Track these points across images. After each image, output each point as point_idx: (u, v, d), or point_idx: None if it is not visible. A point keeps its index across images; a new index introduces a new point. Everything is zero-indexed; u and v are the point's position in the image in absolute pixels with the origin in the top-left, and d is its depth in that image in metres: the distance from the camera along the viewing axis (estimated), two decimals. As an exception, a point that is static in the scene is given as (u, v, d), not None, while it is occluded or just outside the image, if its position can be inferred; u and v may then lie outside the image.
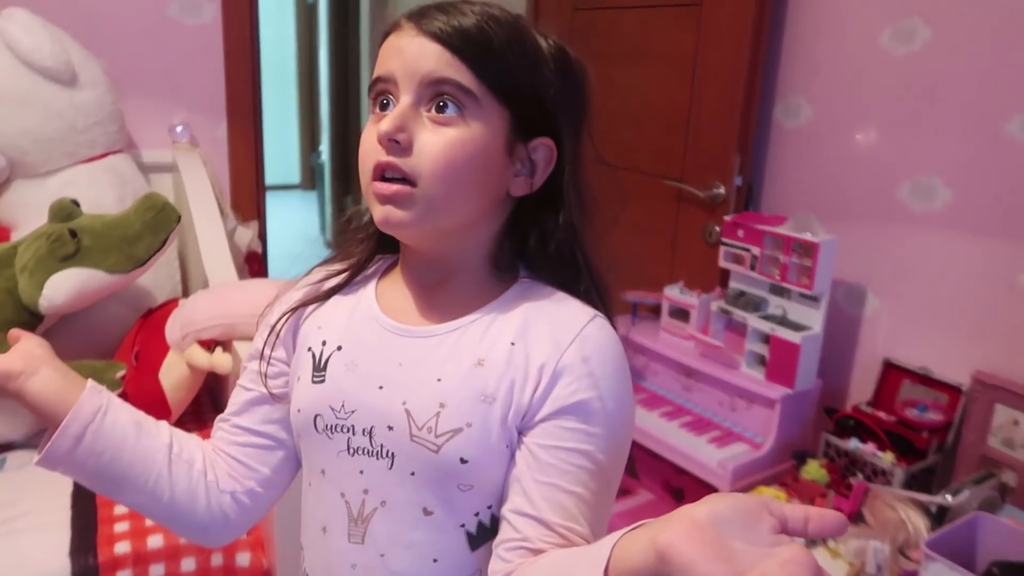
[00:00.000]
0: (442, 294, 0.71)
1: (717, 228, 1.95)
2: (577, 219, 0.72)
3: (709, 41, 1.99)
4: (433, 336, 0.69)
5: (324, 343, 0.72)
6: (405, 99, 0.65)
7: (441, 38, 0.64)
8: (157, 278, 1.69)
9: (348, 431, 0.69)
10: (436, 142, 0.64)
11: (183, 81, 2.06)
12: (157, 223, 1.42)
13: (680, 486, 1.88)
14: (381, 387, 0.68)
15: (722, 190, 1.97)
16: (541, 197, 0.71)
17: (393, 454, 0.67)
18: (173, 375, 1.39)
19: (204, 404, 1.58)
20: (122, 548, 1.18)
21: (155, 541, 1.20)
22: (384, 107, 0.67)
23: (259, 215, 2.21)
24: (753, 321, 1.76)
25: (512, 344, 0.67)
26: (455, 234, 0.69)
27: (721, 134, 1.97)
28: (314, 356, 0.72)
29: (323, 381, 0.71)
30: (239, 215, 2.11)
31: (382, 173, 0.65)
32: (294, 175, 7.41)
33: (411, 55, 0.65)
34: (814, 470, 1.60)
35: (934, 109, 1.67)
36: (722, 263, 1.86)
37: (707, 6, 1.98)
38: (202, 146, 2.08)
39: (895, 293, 1.77)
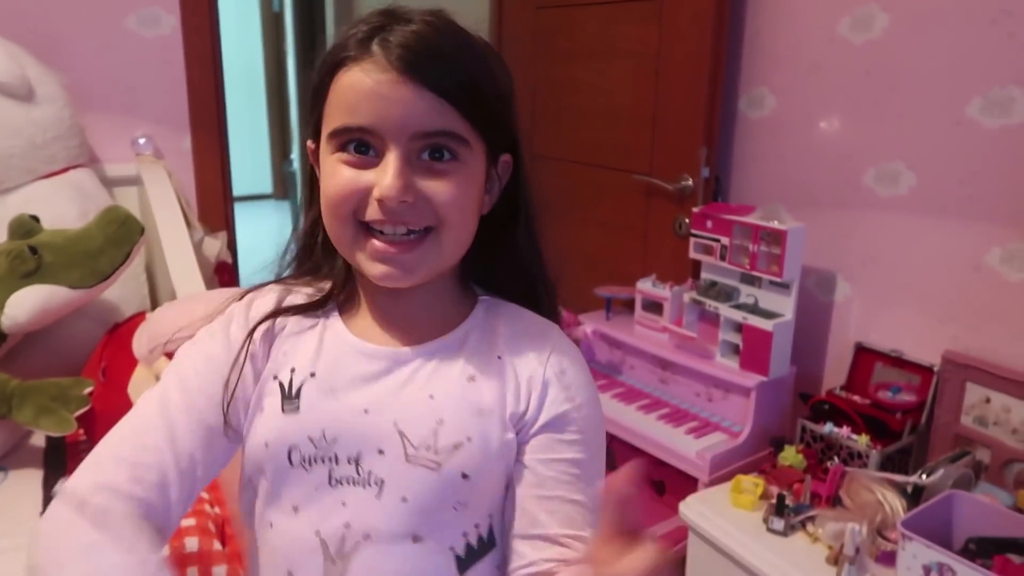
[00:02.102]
0: (414, 317, 0.70)
1: (687, 220, 1.96)
2: (534, 225, 0.73)
3: (671, 36, 2.00)
4: (417, 357, 0.68)
5: (293, 370, 0.68)
6: (396, 153, 0.61)
7: (436, 87, 0.61)
8: (124, 292, 1.66)
9: (330, 461, 0.65)
10: (444, 191, 0.63)
11: (145, 94, 2.03)
12: (120, 236, 1.40)
13: (661, 478, 1.89)
14: (366, 411, 0.65)
15: (690, 182, 1.98)
16: (495, 211, 0.71)
17: (382, 480, 0.64)
18: (142, 390, 1.37)
19: (177, 418, 1.56)
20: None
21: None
22: (361, 151, 0.63)
23: (228, 225, 2.19)
24: (725, 311, 1.77)
25: (499, 358, 0.69)
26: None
27: (687, 127, 1.98)
28: (282, 385, 0.67)
29: (297, 410, 0.66)
30: (207, 226, 2.09)
31: (381, 228, 0.63)
32: (266, 185, 7.35)
33: (400, 109, 0.61)
34: (791, 456, 1.61)
35: (895, 95, 1.69)
36: (692, 254, 1.87)
37: (668, 1, 1.99)
38: (167, 158, 2.06)
39: (865, 278, 1.79)
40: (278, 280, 0.76)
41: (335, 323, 0.71)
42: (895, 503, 1.41)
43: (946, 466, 1.47)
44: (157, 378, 1.37)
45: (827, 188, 1.85)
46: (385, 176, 0.61)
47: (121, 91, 2.01)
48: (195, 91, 2.07)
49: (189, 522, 1.22)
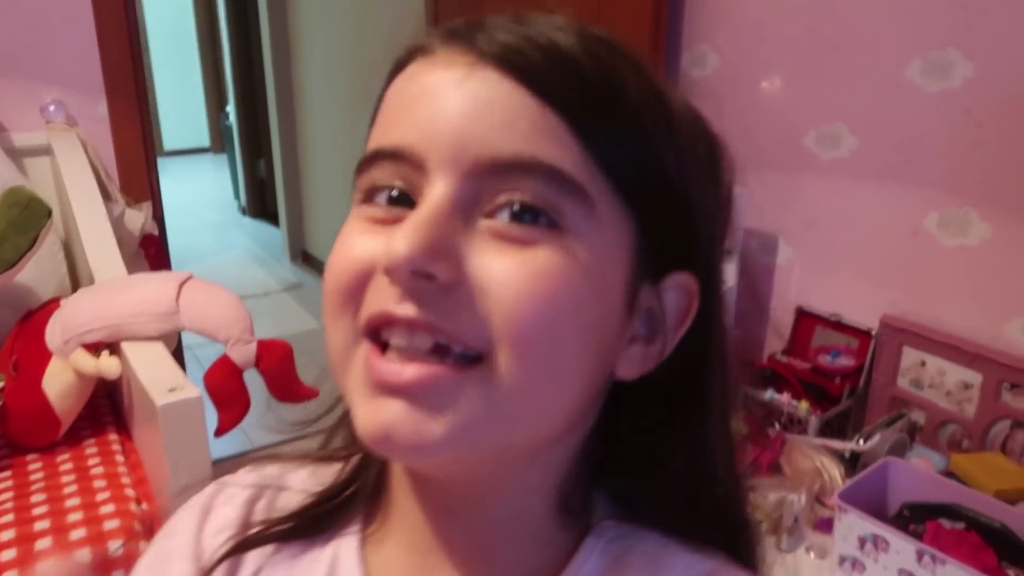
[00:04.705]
0: (472, 566, 0.41)
1: (630, 184, 1.92)
2: (726, 408, 0.45)
3: (612, -10, 1.92)
4: None
5: None
6: (441, 190, 0.33)
7: (522, 67, 0.34)
8: (39, 274, 1.57)
9: None
10: (518, 275, 0.33)
11: (53, 56, 1.89)
12: (24, 221, 1.30)
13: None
14: None
15: (633, 145, 1.93)
16: (652, 376, 0.41)
17: None
18: (58, 384, 1.30)
19: (102, 407, 1.49)
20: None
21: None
22: (398, 202, 0.35)
23: (153, 195, 2.08)
24: (669, 278, 1.75)
25: None
26: (519, 457, 0.38)
27: (629, 87, 1.92)
28: None
29: None
30: (130, 197, 1.98)
31: (388, 337, 0.34)
32: (203, 138, 7.09)
33: (461, 112, 0.33)
34: (734, 422, 1.62)
35: (836, 56, 1.66)
36: (636, 221, 1.83)
37: (608, -46, 1.91)
38: (81, 125, 1.93)
39: (806, 241, 1.79)
40: (267, 458, 0.48)
41: (348, 554, 0.43)
42: (832, 471, 1.43)
43: (882, 430, 1.49)
44: (74, 371, 1.30)
45: (770, 150, 1.82)
46: (401, 228, 0.33)
47: (27, 54, 1.86)
48: (108, 53, 1.93)
49: (112, 524, 1.17)
